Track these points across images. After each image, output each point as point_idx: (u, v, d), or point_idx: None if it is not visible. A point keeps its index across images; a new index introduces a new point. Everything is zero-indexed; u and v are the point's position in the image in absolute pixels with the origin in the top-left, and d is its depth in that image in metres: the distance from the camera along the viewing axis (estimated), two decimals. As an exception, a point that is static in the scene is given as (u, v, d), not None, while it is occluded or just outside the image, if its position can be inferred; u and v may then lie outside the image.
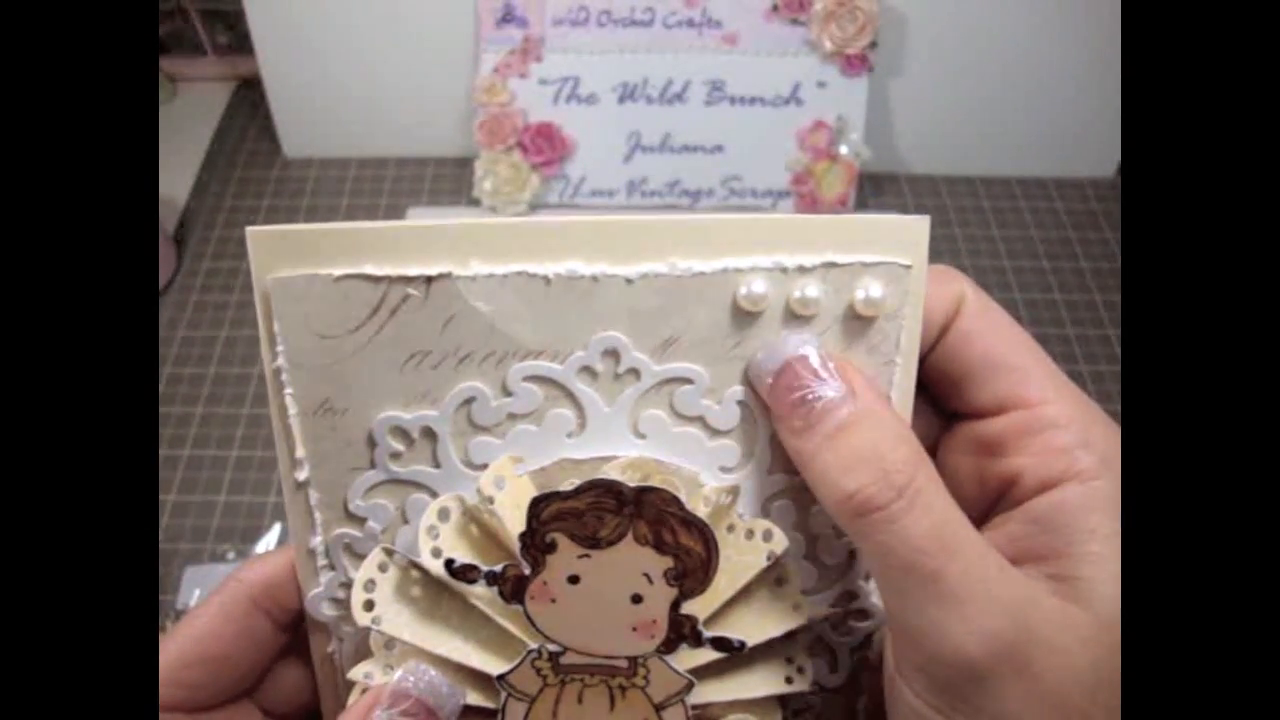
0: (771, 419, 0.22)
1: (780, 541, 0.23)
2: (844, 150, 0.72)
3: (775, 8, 0.69)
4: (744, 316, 0.21)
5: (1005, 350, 0.23)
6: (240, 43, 0.80)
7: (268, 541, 0.57)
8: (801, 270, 0.21)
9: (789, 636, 0.24)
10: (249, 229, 0.22)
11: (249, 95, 0.84)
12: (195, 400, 0.62)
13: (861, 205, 0.76)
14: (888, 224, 0.22)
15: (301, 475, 0.25)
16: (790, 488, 0.23)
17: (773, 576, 0.24)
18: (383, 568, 0.24)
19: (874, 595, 0.24)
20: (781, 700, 0.25)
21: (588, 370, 0.22)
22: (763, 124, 0.72)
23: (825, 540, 0.23)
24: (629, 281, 0.22)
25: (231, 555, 0.56)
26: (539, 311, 0.22)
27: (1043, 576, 0.20)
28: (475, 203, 0.75)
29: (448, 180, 0.78)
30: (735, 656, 0.23)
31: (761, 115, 0.72)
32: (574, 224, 0.22)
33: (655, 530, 0.22)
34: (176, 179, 0.76)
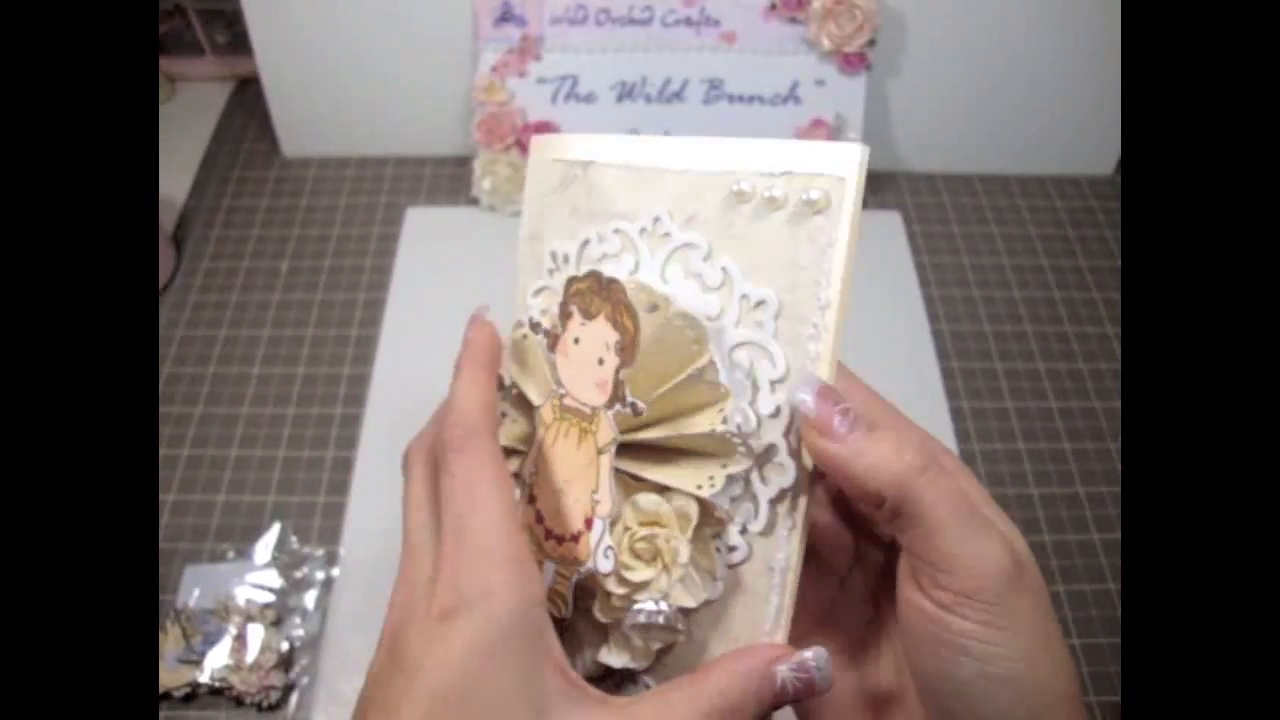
0: (808, 431, 0.28)
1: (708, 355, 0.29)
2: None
3: (773, 6, 0.69)
4: (737, 203, 0.30)
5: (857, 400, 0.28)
6: (239, 42, 0.80)
7: (267, 540, 0.57)
8: (771, 175, 0.29)
9: (720, 464, 0.29)
10: (534, 138, 0.35)
11: (248, 95, 0.84)
12: (195, 400, 0.62)
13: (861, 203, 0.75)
14: (833, 149, 0.29)
15: (520, 280, 0.35)
16: (748, 342, 0.30)
17: (709, 398, 0.29)
18: (520, 331, 0.34)
19: (789, 455, 0.29)
20: (716, 537, 0.30)
21: (644, 230, 0.32)
22: (761, 122, 0.72)
23: (763, 393, 0.29)
24: (676, 174, 0.31)
25: (231, 555, 0.56)
26: (627, 191, 0.32)
27: None
28: (474, 202, 0.75)
29: (446, 179, 0.78)
30: (669, 454, 0.30)
31: (760, 114, 0.72)
32: (651, 141, 0.32)
33: (614, 310, 0.30)
34: (175, 178, 0.76)
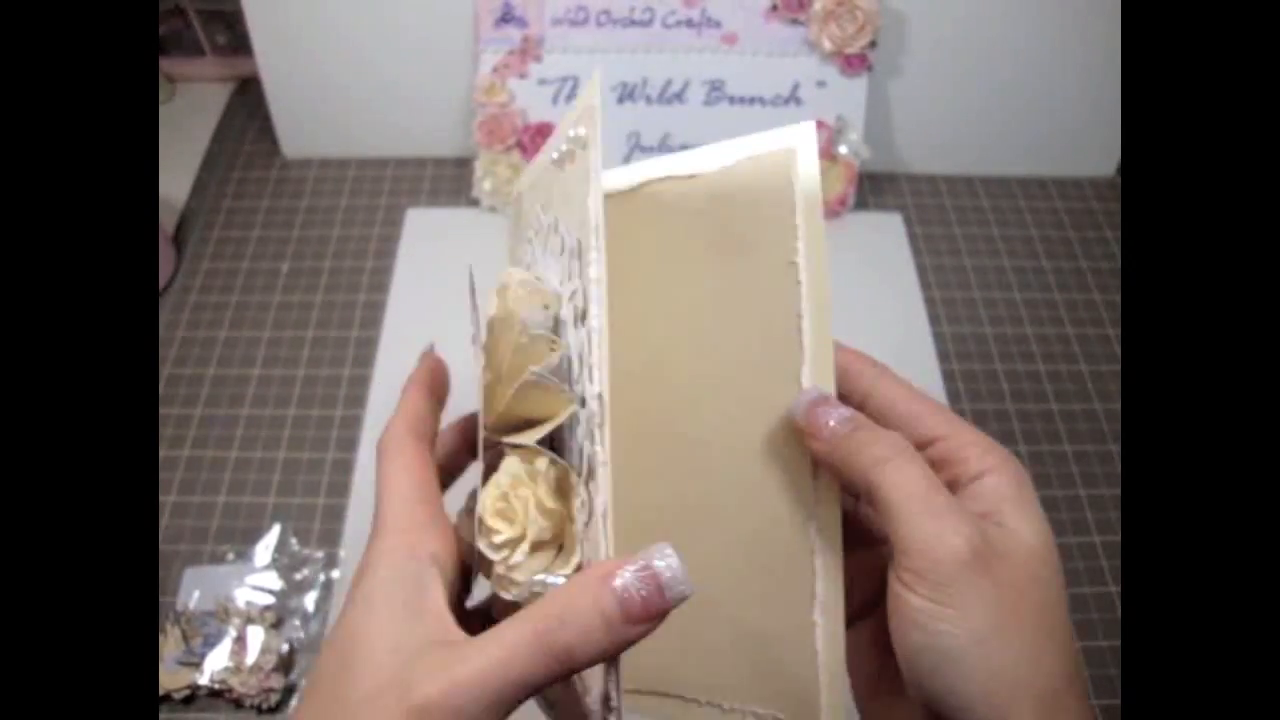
0: (805, 433, 0.31)
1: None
2: (843, 150, 0.72)
3: (774, 7, 0.69)
4: (557, 170, 0.34)
5: (903, 406, 0.32)
6: (239, 43, 0.80)
7: (267, 542, 0.57)
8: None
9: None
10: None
11: (248, 96, 0.84)
12: (195, 401, 0.62)
13: (861, 204, 0.76)
14: (784, 133, 0.32)
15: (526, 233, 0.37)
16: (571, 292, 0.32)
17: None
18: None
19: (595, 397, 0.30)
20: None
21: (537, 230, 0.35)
22: (762, 124, 0.71)
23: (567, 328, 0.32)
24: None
25: (231, 556, 0.56)
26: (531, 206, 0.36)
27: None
28: (475, 203, 0.75)
29: (447, 180, 0.78)
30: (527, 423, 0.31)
31: (761, 115, 0.72)
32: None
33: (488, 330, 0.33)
34: (175, 179, 0.76)
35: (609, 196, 0.34)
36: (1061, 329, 0.69)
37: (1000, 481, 0.30)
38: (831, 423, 0.30)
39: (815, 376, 0.31)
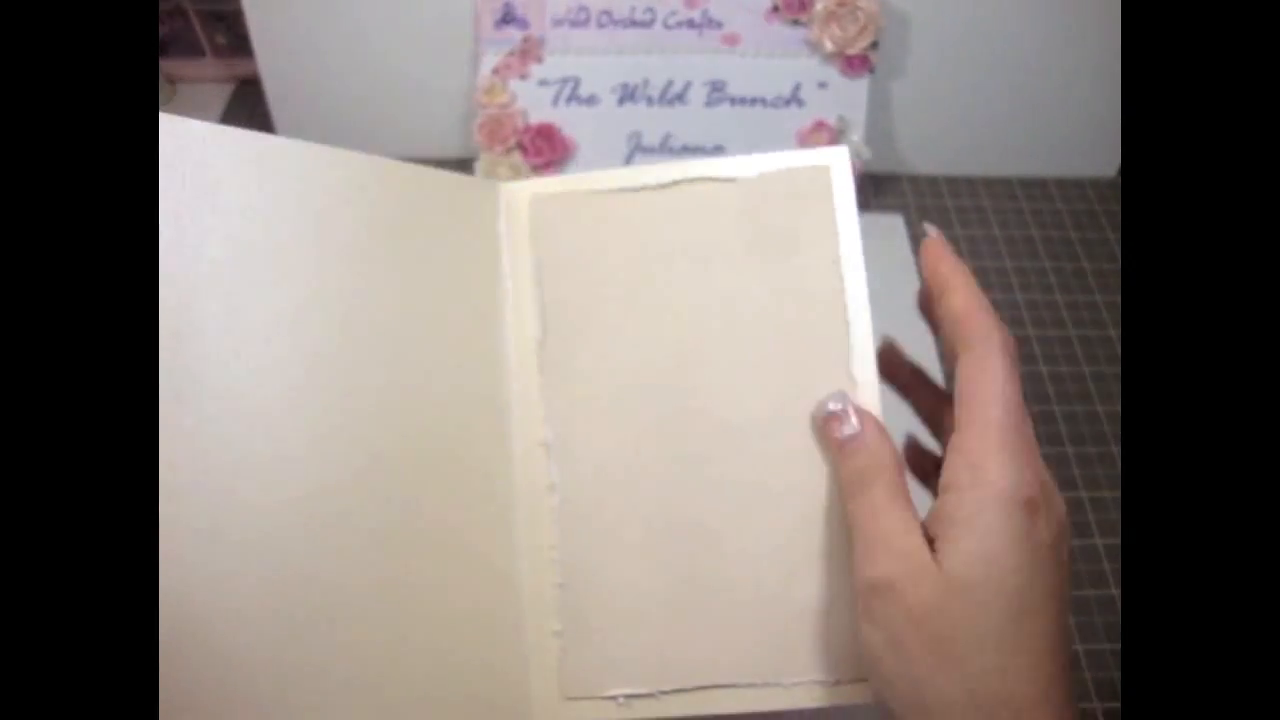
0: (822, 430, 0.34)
1: None
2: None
3: (776, 8, 0.69)
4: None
5: (974, 392, 0.31)
6: (239, 44, 0.80)
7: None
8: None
9: None
10: None
11: (248, 96, 0.84)
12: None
13: (863, 206, 0.75)
14: (820, 153, 0.37)
15: None
16: None
17: None
18: None
19: None
20: None
21: None
22: (763, 125, 0.72)
23: None
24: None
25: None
26: None
27: (926, 540, 0.30)
28: (475, 204, 0.75)
29: (448, 181, 0.78)
30: None
31: (762, 116, 0.72)
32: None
33: None
34: (176, 180, 0.76)
35: (637, 191, 0.37)
36: (1063, 330, 0.69)
37: (953, 504, 0.30)
38: (836, 449, 0.33)
39: (860, 364, 0.35)
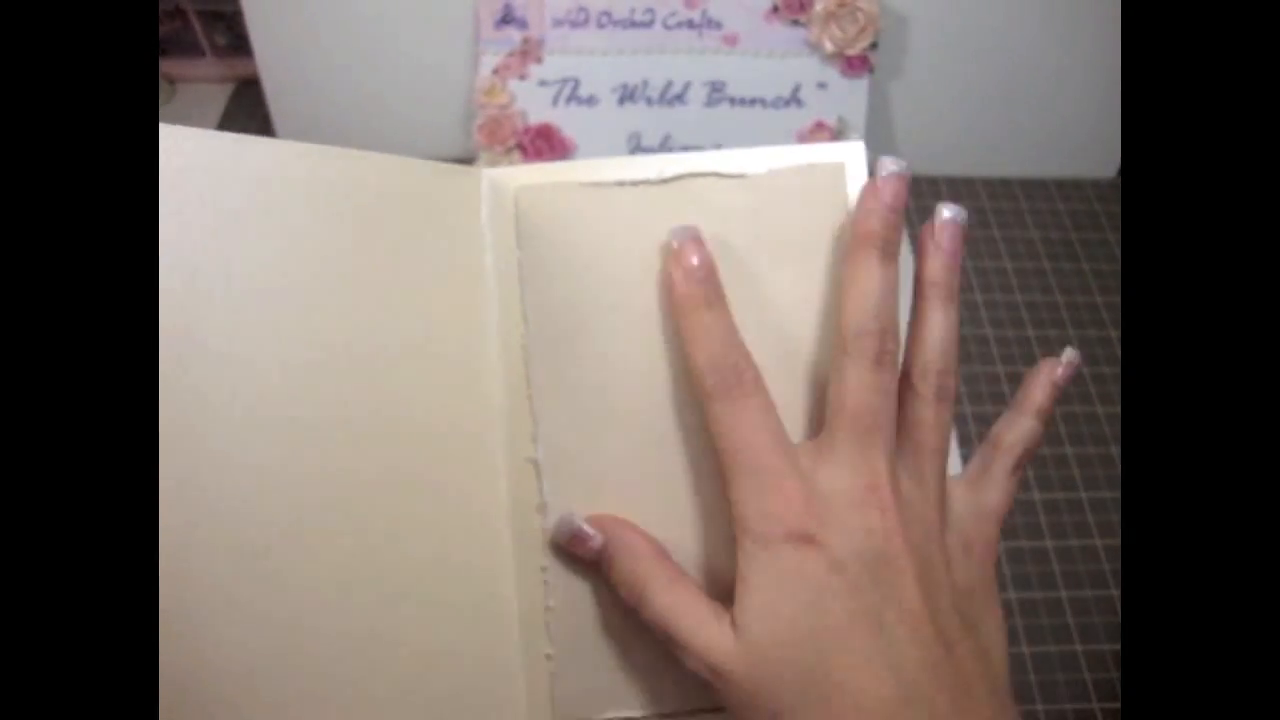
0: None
1: None
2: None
3: (775, 9, 0.69)
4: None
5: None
6: (239, 44, 0.80)
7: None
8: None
9: None
10: None
11: (248, 96, 0.84)
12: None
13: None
14: (834, 148, 0.35)
15: None
16: None
17: None
18: None
19: None
20: None
21: None
22: (763, 125, 0.72)
23: None
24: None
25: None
26: None
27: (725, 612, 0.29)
28: (475, 204, 0.75)
29: (447, 182, 0.78)
30: None
31: (762, 116, 0.72)
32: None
33: None
34: (176, 181, 0.76)
35: (635, 185, 0.34)
36: (1063, 331, 0.69)
37: (744, 559, 0.29)
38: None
39: None
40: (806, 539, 0.27)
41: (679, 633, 0.29)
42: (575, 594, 0.34)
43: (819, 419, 0.32)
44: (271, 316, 0.30)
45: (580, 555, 0.32)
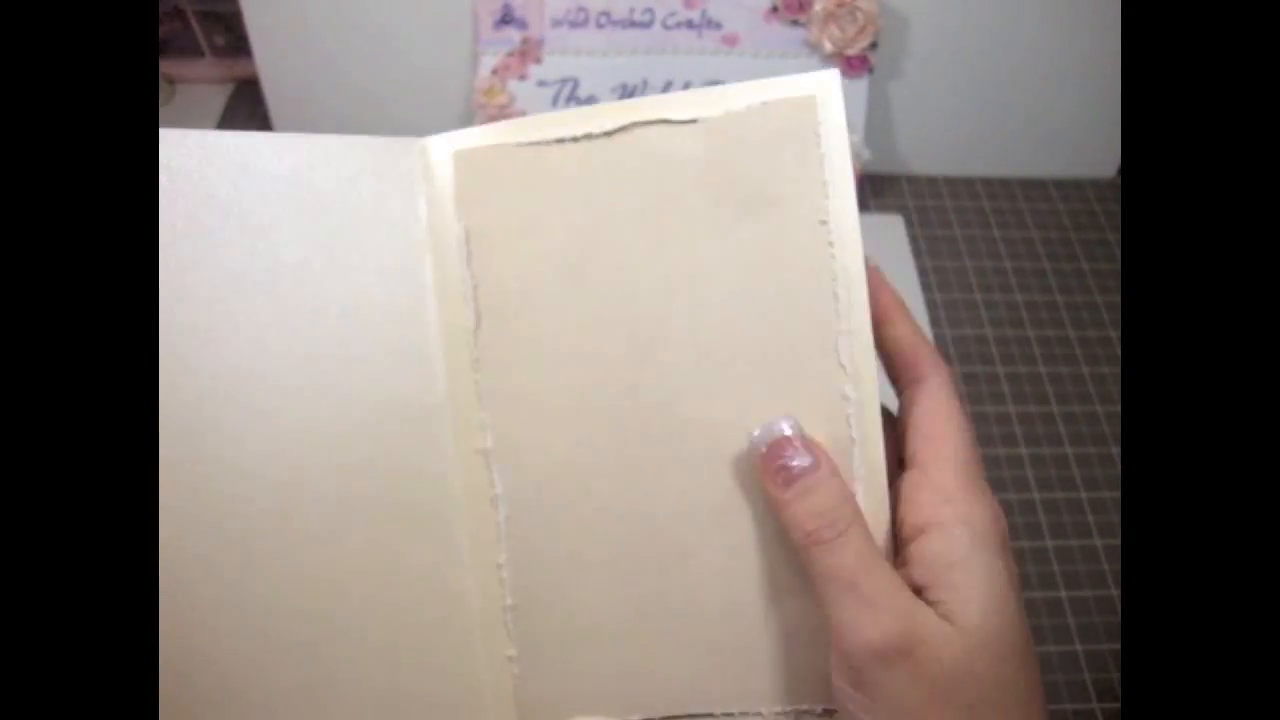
0: (761, 475, 0.29)
1: None
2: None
3: (775, 9, 0.69)
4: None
5: (937, 427, 0.30)
6: (238, 44, 0.80)
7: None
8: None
9: None
10: None
11: (247, 97, 0.84)
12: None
13: (862, 207, 0.75)
14: (803, 79, 0.30)
15: None
16: None
17: None
18: None
19: None
20: None
21: None
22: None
23: None
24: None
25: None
26: None
27: (925, 600, 0.27)
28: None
29: (447, 182, 0.77)
30: None
31: (761, 116, 0.72)
32: None
33: None
34: (175, 181, 0.76)
35: (577, 140, 0.31)
36: (1063, 331, 0.69)
37: (945, 542, 0.27)
38: (782, 476, 0.28)
39: (854, 348, 0.30)
40: (1007, 547, 0.28)
41: (870, 588, 0.26)
42: (537, 590, 0.31)
43: (789, 382, 0.30)
44: (249, 306, 0.30)
45: (772, 472, 0.29)
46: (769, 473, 0.28)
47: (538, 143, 0.31)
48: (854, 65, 0.70)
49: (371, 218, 0.32)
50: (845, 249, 0.30)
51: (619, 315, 0.31)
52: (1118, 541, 0.58)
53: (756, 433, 0.29)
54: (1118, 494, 0.60)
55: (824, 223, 0.30)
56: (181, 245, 0.30)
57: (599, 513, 0.31)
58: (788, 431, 0.29)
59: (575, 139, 0.31)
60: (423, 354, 0.32)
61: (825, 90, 0.30)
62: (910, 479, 0.29)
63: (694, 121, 0.30)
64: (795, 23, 0.69)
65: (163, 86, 0.83)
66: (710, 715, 0.31)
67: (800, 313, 0.30)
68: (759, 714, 0.31)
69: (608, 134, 0.31)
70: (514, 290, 0.31)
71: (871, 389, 0.30)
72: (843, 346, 0.30)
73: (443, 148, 0.32)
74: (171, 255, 0.30)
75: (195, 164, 0.31)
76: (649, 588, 0.31)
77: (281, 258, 0.31)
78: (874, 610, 0.26)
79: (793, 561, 0.30)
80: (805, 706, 0.30)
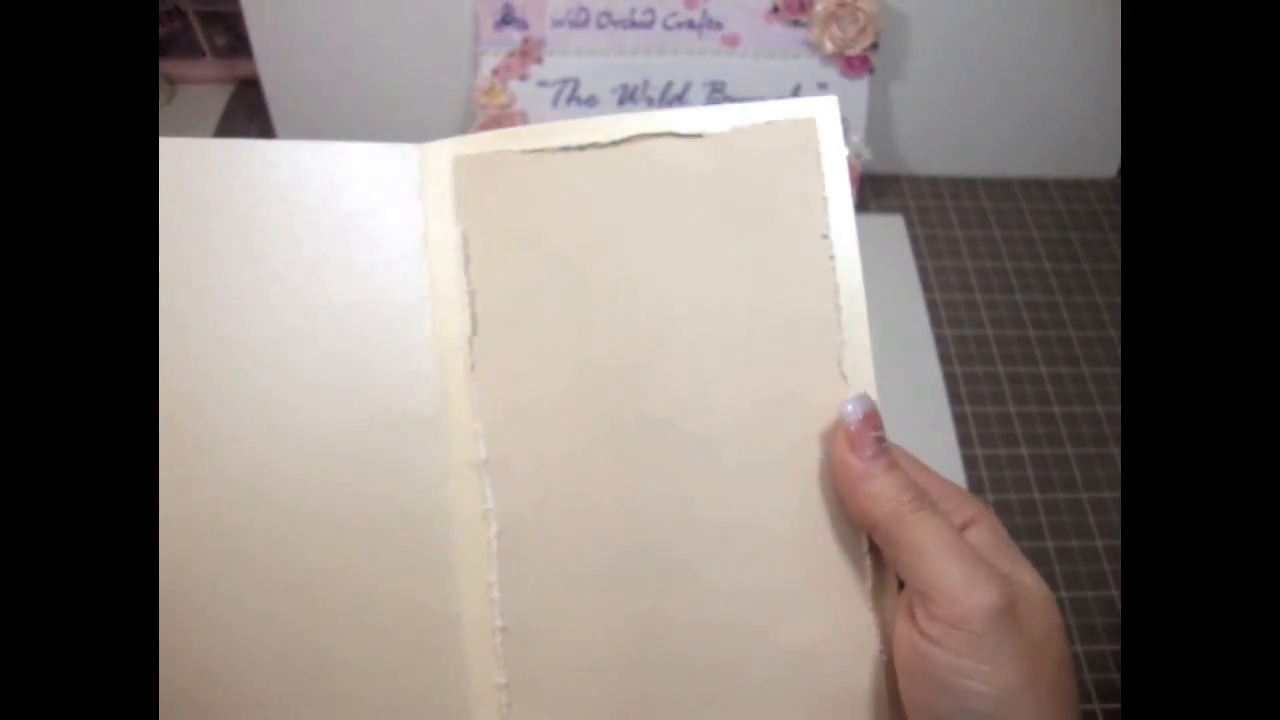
0: (840, 439, 0.29)
1: None
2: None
3: (776, 9, 0.69)
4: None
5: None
6: (239, 45, 0.80)
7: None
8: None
9: None
10: None
11: (248, 97, 0.84)
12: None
13: (863, 207, 0.75)
14: (804, 103, 0.32)
15: None
16: None
17: None
18: None
19: None
20: None
21: None
22: (763, 125, 0.72)
23: None
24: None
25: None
26: None
27: None
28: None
29: (448, 182, 0.77)
30: None
31: (762, 117, 0.72)
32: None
33: None
34: (176, 181, 0.76)
35: (582, 149, 0.31)
36: (1064, 331, 0.69)
37: (986, 532, 0.29)
38: (874, 445, 0.29)
39: (853, 361, 0.30)
40: None
41: (968, 555, 0.27)
42: (529, 611, 0.30)
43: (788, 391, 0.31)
44: (240, 312, 0.30)
45: (866, 442, 0.29)
46: (863, 442, 0.29)
47: (540, 150, 0.31)
48: (855, 65, 0.70)
49: (366, 224, 0.31)
50: (845, 262, 0.30)
51: (619, 324, 0.30)
52: (1118, 542, 0.58)
53: (850, 407, 0.29)
54: (1118, 494, 0.60)
55: (825, 237, 0.30)
56: (175, 252, 0.30)
57: (596, 528, 0.30)
58: (873, 409, 0.29)
59: (580, 148, 0.31)
60: (417, 362, 0.31)
61: (825, 114, 0.31)
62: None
63: (699, 136, 0.31)
64: (796, 23, 0.69)
65: (163, 87, 0.83)
66: None
67: (802, 324, 0.30)
68: None
69: (613, 144, 0.31)
70: (512, 297, 0.31)
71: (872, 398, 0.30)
72: (845, 357, 0.30)
73: (442, 153, 0.31)
74: (166, 262, 0.30)
75: (191, 171, 0.30)
76: (650, 608, 0.30)
77: (273, 263, 0.30)
78: (986, 571, 0.27)
79: (809, 576, 0.29)
80: None
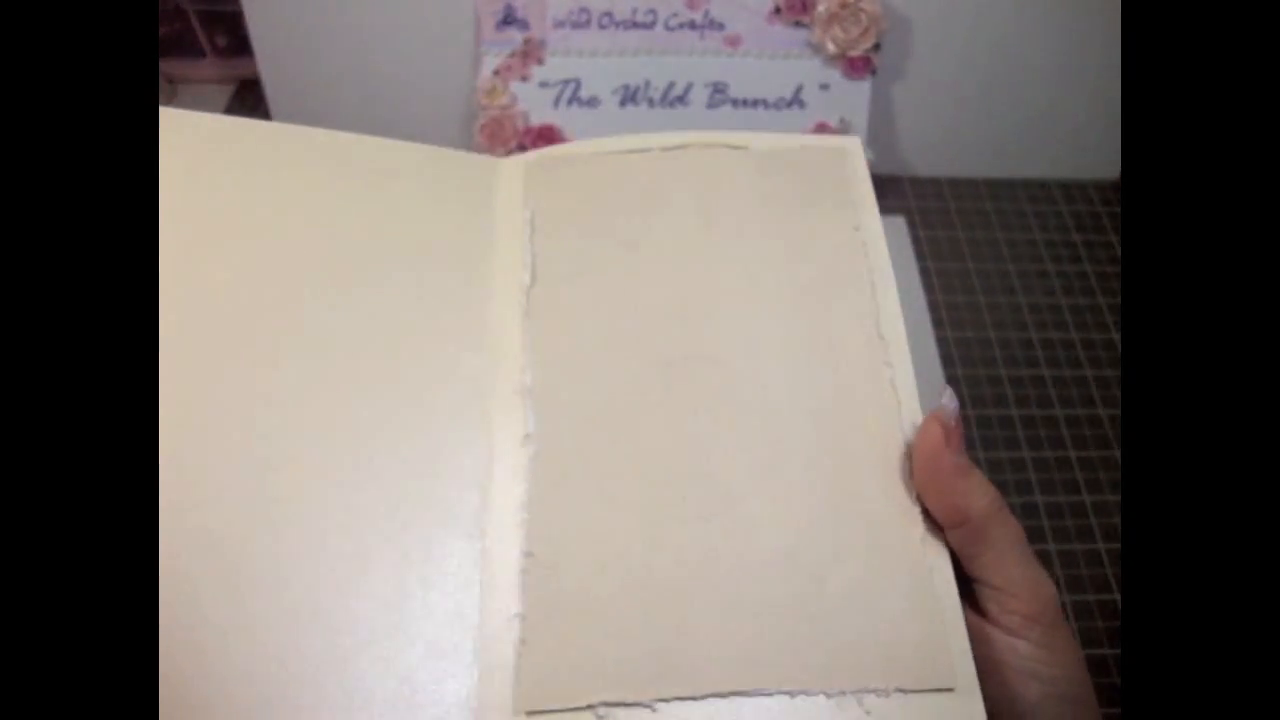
0: (934, 432, 0.30)
1: None
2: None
3: (778, 10, 0.69)
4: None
5: None
6: (240, 45, 0.80)
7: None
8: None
9: None
10: None
11: (249, 97, 0.84)
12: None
13: (864, 208, 0.75)
14: (834, 139, 0.38)
15: None
16: None
17: None
18: None
19: None
20: None
21: None
22: (765, 127, 0.72)
23: None
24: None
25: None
26: None
27: None
28: (476, 205, 0.75)
29: (449, 183, 0.77)
30: None
31: (764, 118, 0.72)
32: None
33: None
34: (177, 182, 0.76)
35: (639, 152, 0.37)
36: (1066, 333, 0.69)
37: (1009, 526, 0.30)
38: (960, 448, 0.30)
39: (888, 323, 0.33)
40: None
41: (1026, 564, 0.29)
42: (559, 536, 0.29)
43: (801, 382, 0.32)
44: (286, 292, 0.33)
45: (956, 439, 0.29)
46: (957, 437, 0.30)
47: (604, 153, 0.37)
48: (857, 66, 0.70)
49: (445, 211, 0.36)
50: (875, 249, 0.35)
51: (669, 284, 0.34)
52: (1120, 545, 0.58)
53: (945, 400, 0.30)
54: (1120, 497, 0.60)
55: (856, 228, 0.35)
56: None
57: (637, 454, 0.29)
58: (956, 408, 0.30)
59: (640, 151, 0.37)
60: (482, 308, 0.34)
61: (852, 147, 0.38)
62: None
63: (745, 148, 0.37)
64: (798, 24, 0.69)
65: (163, 87, 0.83)
66: (760, 693, 0.26)
67: (838, 288, 0.34)
68: (821, 693, 0.26)
69: (666, 149, 0.37)
70: (570, 258, 0.34)
71: (903, 353, 0.32)
72: (881, 320, 0.33)
73: (518, 162, 0.38)
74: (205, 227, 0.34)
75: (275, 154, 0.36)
76: (690, 538, 0.28)
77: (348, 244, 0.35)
78: (1039, 567, 0.29)
79: (854, 520, 0.29)
80: (884, 684, 0.26)
